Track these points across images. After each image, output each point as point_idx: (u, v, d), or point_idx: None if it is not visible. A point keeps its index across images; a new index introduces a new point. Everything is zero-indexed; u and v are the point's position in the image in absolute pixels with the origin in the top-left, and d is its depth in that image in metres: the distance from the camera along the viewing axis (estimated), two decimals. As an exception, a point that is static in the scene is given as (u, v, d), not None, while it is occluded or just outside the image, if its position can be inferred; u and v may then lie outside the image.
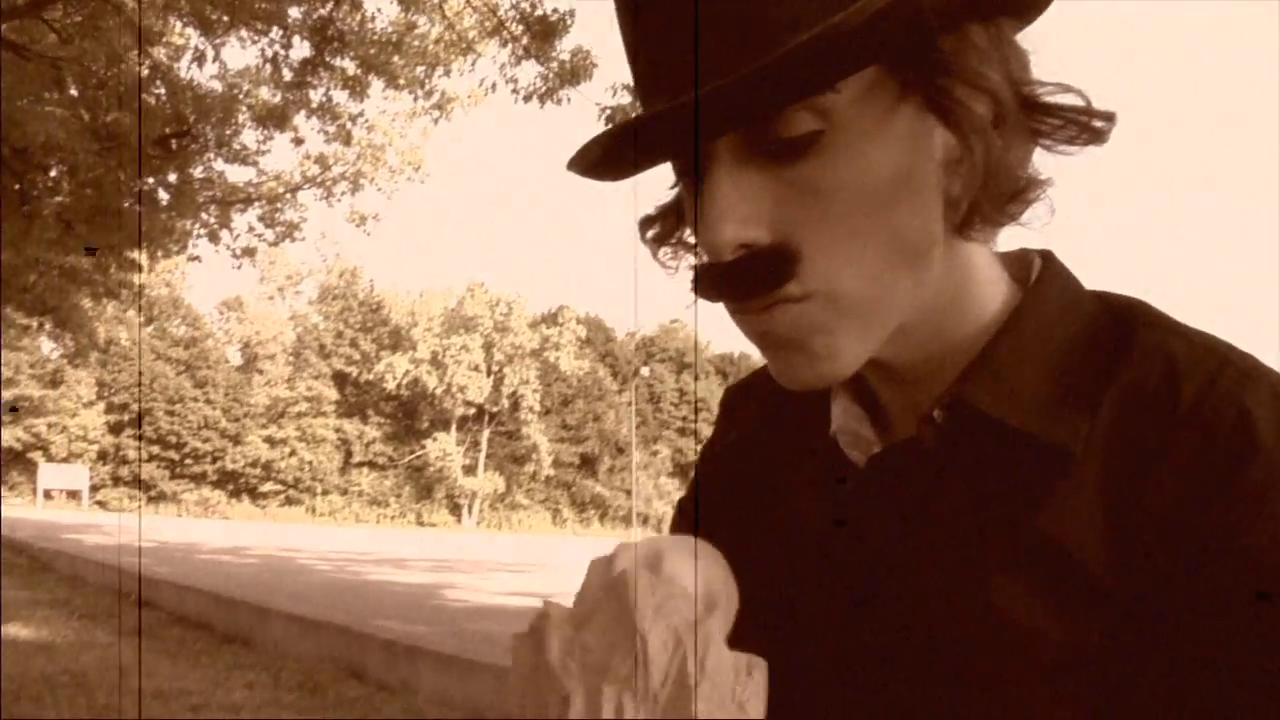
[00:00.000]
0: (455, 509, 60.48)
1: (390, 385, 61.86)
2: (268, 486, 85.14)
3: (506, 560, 17.85)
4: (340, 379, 70.91)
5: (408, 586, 12.47)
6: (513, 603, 10.10)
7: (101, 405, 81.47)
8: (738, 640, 0.63)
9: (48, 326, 31.59)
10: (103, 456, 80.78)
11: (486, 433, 60.68)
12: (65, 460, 77.82)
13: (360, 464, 69.80)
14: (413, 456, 63.44)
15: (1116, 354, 0.73)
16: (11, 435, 76.58)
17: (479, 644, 5.77)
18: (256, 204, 13.24)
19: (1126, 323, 0.74)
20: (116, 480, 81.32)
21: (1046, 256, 0.79)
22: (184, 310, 75.59)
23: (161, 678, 5.76)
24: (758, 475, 0.89)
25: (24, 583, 11.72)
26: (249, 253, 13.36)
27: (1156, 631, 0.66)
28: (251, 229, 13.28)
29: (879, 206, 0.68)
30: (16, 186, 9.69)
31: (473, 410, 59.48)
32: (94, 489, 77.37)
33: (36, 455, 77.62)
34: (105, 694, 5.16)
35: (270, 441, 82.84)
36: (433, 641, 6.26)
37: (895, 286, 0.70)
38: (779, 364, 0.72)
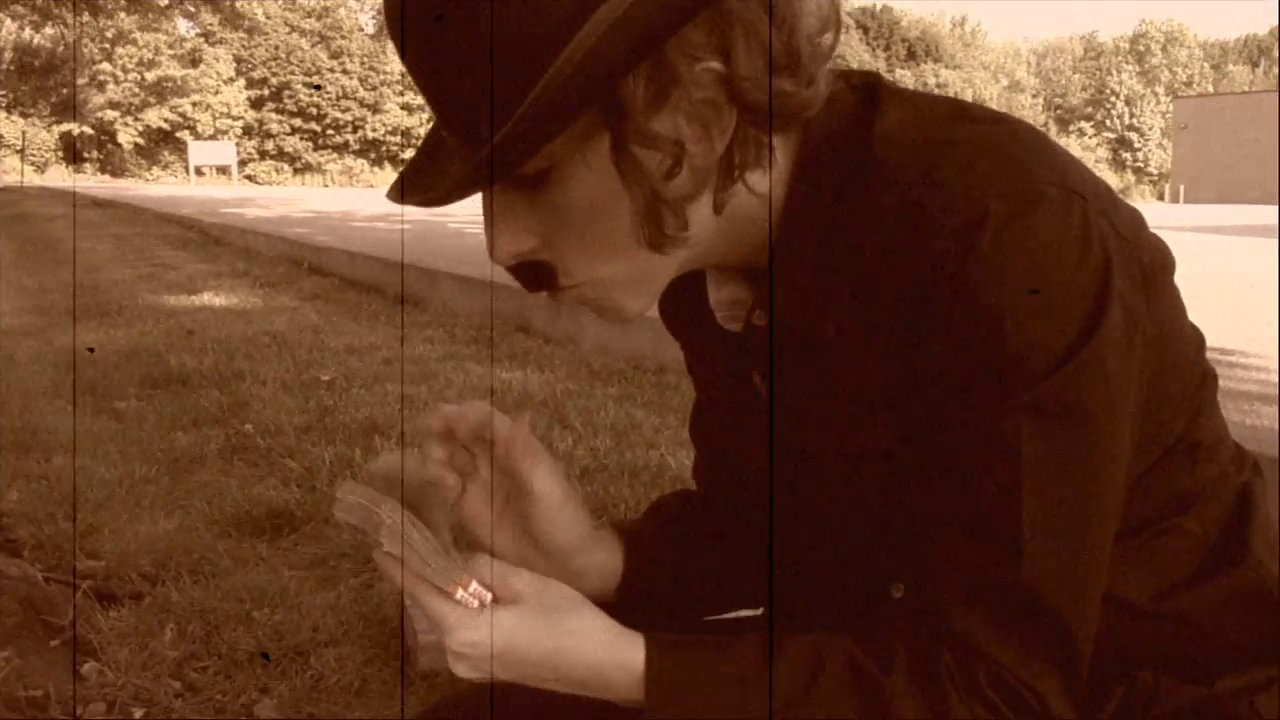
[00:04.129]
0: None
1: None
2: (409, 154, 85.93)
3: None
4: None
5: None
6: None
7: (241, 81, 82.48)
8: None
9: (185, 4, 31.78)
10: (247, 131, 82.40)
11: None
12: (212, 138, 79.60)
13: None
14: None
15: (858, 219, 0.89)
16: (159, 115, 78.34)
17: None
18: None
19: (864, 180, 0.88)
20: (263, 154, 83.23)
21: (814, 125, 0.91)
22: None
23: (350, 335, 6.31)
24: (696, 354, 1.14)
25: (203, 256, 12.48)
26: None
27: (923, 422, 0.89)
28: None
29: (601, 215, 0.86)
30: None
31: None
32: (241, 164, 79.22)
33: (184, 134, 79.46)
34: (305, 351, 5.71)
35: (408, 109, 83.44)
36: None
37: (644, 262, 0.90)
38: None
